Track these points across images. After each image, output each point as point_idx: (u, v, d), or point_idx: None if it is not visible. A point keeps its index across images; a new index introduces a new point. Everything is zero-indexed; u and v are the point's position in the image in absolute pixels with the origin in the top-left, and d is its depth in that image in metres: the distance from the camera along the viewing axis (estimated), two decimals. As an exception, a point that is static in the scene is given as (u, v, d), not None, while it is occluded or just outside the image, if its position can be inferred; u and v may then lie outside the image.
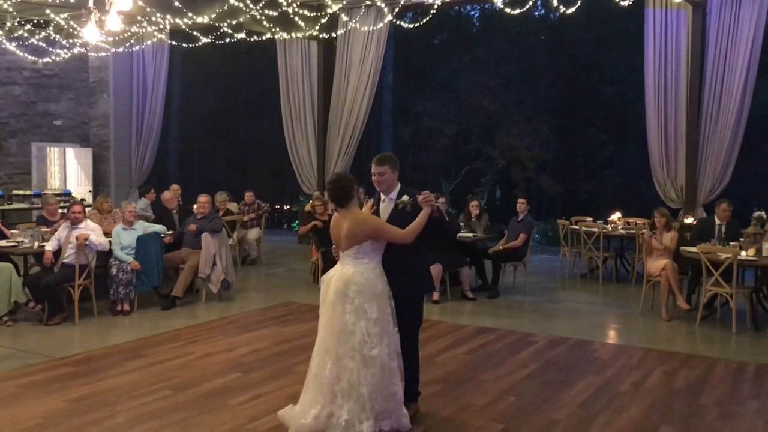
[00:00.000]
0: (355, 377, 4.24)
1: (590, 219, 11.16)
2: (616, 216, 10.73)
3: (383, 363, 4.31)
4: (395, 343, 4.43)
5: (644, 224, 10.27)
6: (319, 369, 4.35)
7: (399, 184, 4.67)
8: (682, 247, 8.18)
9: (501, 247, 9.55)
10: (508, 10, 10.14)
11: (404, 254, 4.50)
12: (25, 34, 12.54)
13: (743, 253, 7.55)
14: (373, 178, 4.63)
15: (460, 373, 5.99)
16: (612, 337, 7.60)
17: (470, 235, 9.60)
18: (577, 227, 10.60)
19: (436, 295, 8.81)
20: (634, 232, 10.04)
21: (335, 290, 4.37)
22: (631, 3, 10.34)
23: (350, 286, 4.33)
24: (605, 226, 10.40)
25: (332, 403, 4.28)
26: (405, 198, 4.53)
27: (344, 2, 11.01)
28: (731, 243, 7.98)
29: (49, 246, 7.67)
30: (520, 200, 9.78)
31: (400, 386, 4.45)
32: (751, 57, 10.18)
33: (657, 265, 8.13)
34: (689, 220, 10.31)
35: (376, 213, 4.63)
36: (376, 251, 4.45)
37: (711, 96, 10.47)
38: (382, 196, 4.68)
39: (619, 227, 10.46)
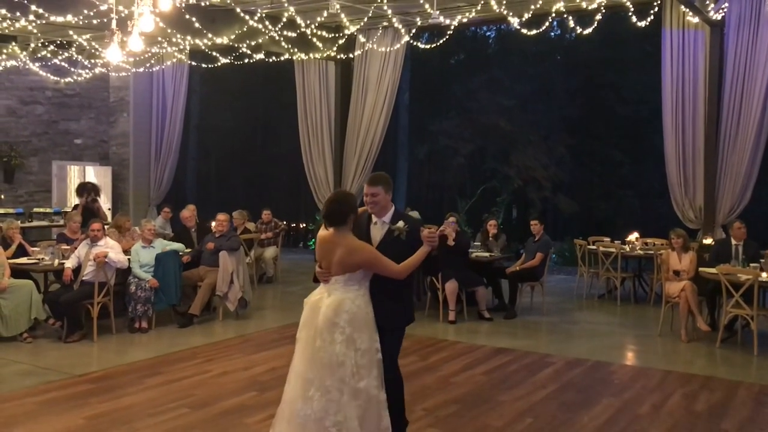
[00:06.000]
0: (348, 411, 4.02)
1: (608, 239, 11.09)
2: (633, 236, 10.66)
3: (370, 395, 4.08)
4: (382, 374, 4.17)
5: (662, 244, 10.20)
6: (303, 402, 4.07)
7: (393, 207, 4.37)
8: (700, 269, 8.11)
9: (518, 267, 9.51)
10: (524, 30, 10.19)
11: (392, 284, 4.22)
12: (48, 55, 12.76)
13: (764, 274, 7.46)
14: (365, 198, 4.33)
15: (476, 394, 5.96)
16: (630, 358, 7.53)
17: (487, 254, 9.59)
18: (594, 247, 10.54)
19: (452, 315, 8.79)
20: (652, 252, 9.97)
21: (325, 318, 4.11)
22: (647, 24, 10.38)
23: (341, 314, 4.09)
24: (623, 246, 10.33)
25: None
26: (401, 224, 4.25)
27: (362, 24, 11.10)
28: (751, 264, 7.90)
29: (69, 263, 7.76)
30: (533, 222, 9.72)
31: (389, 418, 4.19)
32: (770, 77, 10.12)
33: (676, 286, 8.07)
34: (708, 241, 10.22)
35: (367, 234, 4.33)
36: (366, 278, 4.22)
37: (729, 115, 10.41)
38: (374, 218, 4.36)
39: (637, 248, 10.39)
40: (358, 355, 4.08)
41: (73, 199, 14.94)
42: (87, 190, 11.40)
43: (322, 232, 4.32)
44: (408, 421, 4.67)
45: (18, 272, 7.85)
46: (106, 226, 8.76)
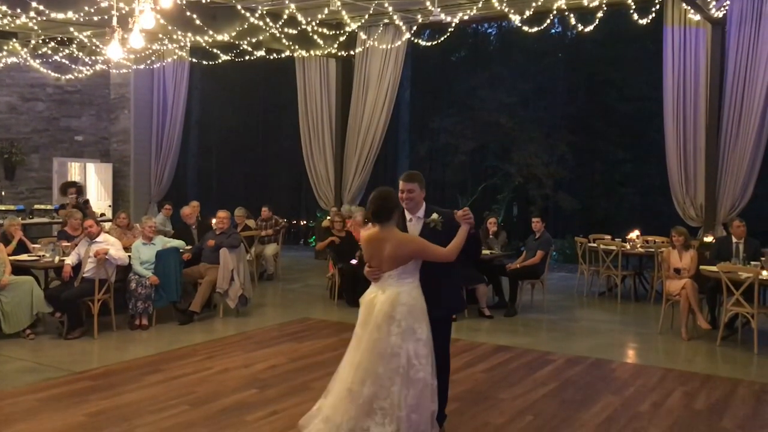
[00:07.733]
0: (396, 399, 4.14)
1: (608, 237, 11.09)
2: (634, 234, 10.65)
3: (426, 383, 4.21)
4: (435, 362, 4.32)
5: (663, 242, 10.20)
6: (357, 385, 4.22)
7: (424, 203, 4.58)
8: (701, 266, 8.11)
9: (519, 265, 9.51)
10: (525, 27, 10.18)
11: (438, 273, 4.39)
12: (49, 52, 12.77)
13: (764, 272, 7.46)
14: (401, 195, 4.49)
15: (477, 391, 5.96)
16: (631, 356, 7.53)
17: (487, 252, 9.58)
18: (595, 245, 10.53)
19: (452, 313, 8.78)
20: (653, 250, 9.97)
21: (382, 312, 4.24)
22: (649, 21, 10.37)
23: (397, 307, 4.22)
24: (624, 244, 10.32)
25: (367, 417, 4.17)
26: (435, 216, 4.45)
27: (363, 21, 11.10)
28: (752, 262, 7.90)
29: (69, 260, 7.75)
30: (535, 219, 9.72)
31: (436, 404, 4.32)
32: (772, 74, 10.10)
33: (677, 284, 8.07)
34: (709, 239, 10.21)
35: (405, 231, 4.50)
36: (417, 269, 4.37)
37: (731, 113, 10.40)
38: (408, 215, 4.55)
39: (638, 245, 10.38)
40: (420, 345, 4.21)
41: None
42: (77, 188, 11.47)
43: (367, 232, 4.49)
44: (447, 416, 4.76)
45: (19, 269, 7.84)
46: (107, 224, 8.77)
